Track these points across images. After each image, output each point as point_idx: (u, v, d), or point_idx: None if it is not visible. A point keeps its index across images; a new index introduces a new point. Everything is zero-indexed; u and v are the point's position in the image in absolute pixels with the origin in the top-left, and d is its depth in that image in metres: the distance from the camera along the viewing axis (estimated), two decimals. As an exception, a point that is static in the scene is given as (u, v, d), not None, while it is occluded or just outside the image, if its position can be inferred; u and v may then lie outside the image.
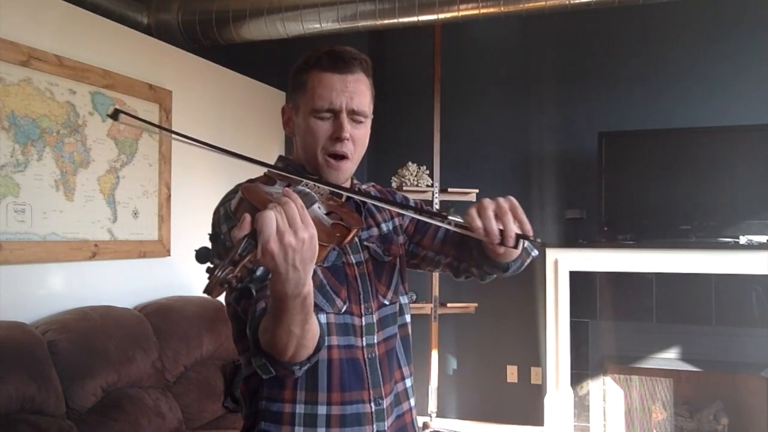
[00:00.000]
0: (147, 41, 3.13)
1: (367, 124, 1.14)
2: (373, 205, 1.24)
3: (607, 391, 3.51)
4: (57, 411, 2.17)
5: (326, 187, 1.05)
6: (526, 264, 1.18)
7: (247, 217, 0.80)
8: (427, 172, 3.78)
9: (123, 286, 2.88)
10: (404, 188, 3.72)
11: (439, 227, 1.25)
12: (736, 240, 3.22)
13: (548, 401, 3.52)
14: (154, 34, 3.26)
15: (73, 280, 2.64)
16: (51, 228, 2.52)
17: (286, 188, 0.88)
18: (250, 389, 1.12)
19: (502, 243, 0.96)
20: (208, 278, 0.74)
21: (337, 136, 1.08)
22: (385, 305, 1.17)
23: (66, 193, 2.59)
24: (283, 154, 1.23)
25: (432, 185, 3.78)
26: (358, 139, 1.12)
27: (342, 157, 1.11)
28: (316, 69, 1.09)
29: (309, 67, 1.10)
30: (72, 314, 2.46)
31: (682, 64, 3.64)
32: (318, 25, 3.24)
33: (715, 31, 3.59)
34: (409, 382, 1.21)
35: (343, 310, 1.11)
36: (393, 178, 3.79)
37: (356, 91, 1.09)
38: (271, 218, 0.78)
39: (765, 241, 3.17)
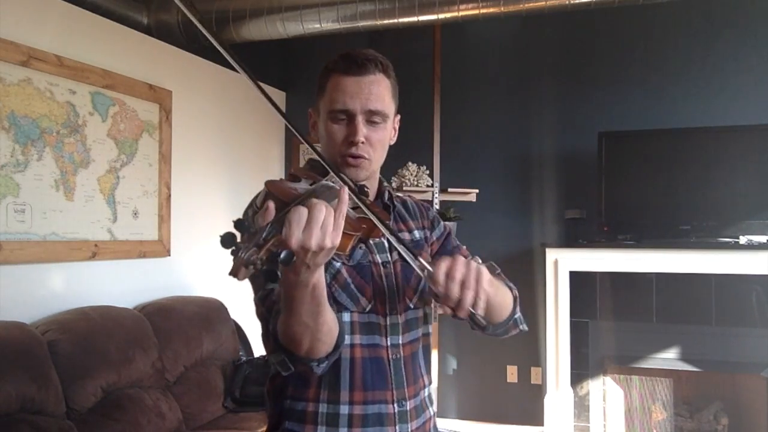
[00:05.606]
0: (147, 41, 3.13)
1: (386, 125, 1.16)
2: (407, 211, 1.27)
3: (607, 391, 3.50)
4: (57, 411, 2.17)
5: (352, 184, 1.05)
6: (510, 334, 1.27)
7: (271, 204, 0.80)
8: (427, 172, 3.78)
9: (123, 286, 2.88)
10: (404, 188, 3.71)
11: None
12: (736, 240, 3.21)
13: (548, 401, 3.52)
14: (154, 34, 3.25)
15: (73, 280, 2.64)
16: (51, 228, 2.52)
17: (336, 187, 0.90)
18: (275, 388, 1.14)
19: (454, 309, 0.96)
20: (233, 260, 0.73)
21: (351, 140, 1.10)
22: (410, 308, 1.18)
23: (66, 193, 2.59)
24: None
25: (432, 185, 3.77)
26: (375, 141, 1.14)
27: (359, 156, 1.12)
28: (333, 73, 1.12)
29: (328, 71, 1.14)
30: (72, 314, 2.46)
31: (682, 64, 3.64)
32: (318, 25, 3.24)
33: (715, 31, 3.59)
34: (427, 391, 1.23)
35: (367, 309, 1.12)
36: (393, 178, 3.78)
37: (372, 93, 1.11)
38: (302, 215, 0.79)
39: (765, 241, 3.17)
